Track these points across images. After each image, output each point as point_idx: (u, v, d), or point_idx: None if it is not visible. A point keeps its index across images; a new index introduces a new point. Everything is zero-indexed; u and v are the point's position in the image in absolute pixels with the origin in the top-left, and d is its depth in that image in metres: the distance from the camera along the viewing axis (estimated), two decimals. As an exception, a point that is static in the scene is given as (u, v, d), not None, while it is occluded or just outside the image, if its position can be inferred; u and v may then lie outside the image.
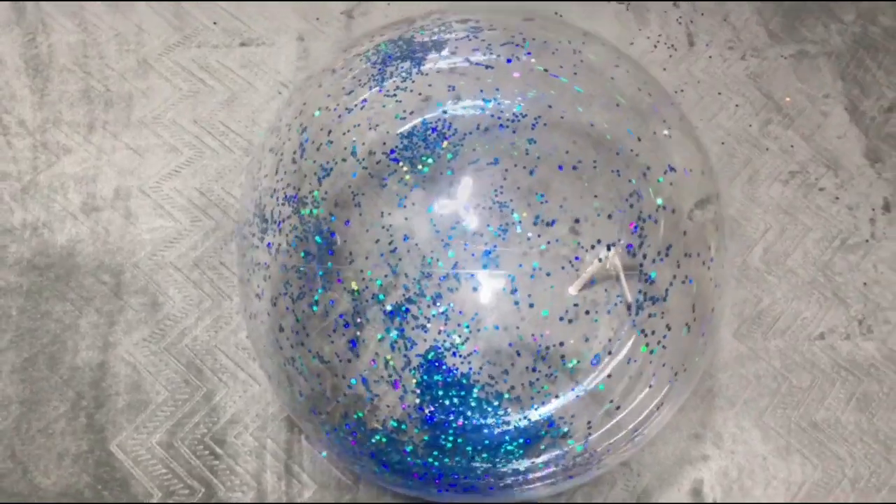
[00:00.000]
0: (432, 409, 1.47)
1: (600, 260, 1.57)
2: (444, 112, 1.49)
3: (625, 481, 1.48)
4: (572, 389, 1.46)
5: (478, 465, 1.40)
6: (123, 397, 1.45)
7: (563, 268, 1.65)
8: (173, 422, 1.44)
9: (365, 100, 1.44)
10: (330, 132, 1.43)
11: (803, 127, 1.96)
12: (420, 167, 1.47)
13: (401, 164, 1.47)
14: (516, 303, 1.49)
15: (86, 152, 1.69)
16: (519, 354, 1.58)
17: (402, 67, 1.43)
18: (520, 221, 1.58)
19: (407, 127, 1.45)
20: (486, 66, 1.46)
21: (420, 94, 1.48)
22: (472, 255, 1.65)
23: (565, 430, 1.40)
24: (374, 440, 1.40)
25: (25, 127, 1.70)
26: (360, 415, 1.43)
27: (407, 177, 1.48)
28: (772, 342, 1.67)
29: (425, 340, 1.53)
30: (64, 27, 1.84)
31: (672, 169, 1.40)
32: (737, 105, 1.97)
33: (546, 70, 1.47)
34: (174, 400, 1.46)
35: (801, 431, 1.58)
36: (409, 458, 1.40)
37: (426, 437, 1.42)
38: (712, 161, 1.87)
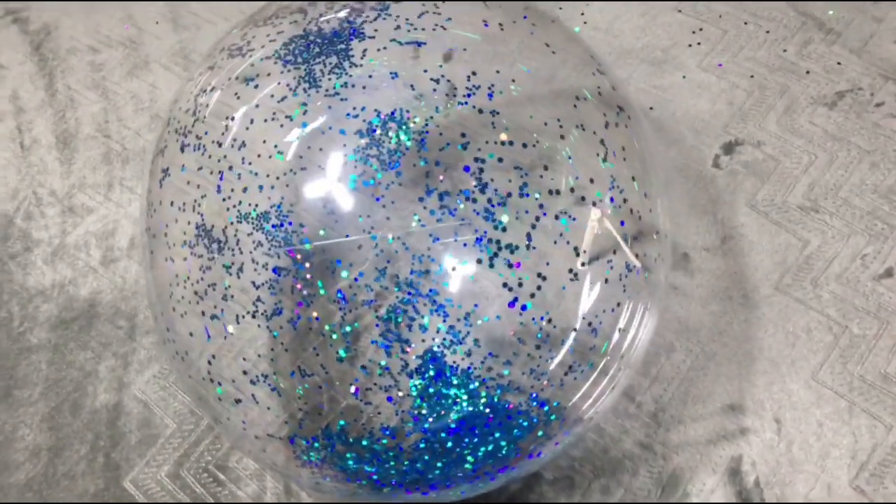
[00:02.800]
0: (429, 412, 1.39)
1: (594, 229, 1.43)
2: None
3: (647, 467, 1.31)
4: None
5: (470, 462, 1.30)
6: (136, 434, 1.50)
7: (568, 242, 1.52)
8: (180, 452, 1.46)
9: (305, 103, 1.42)
10: (275, 145, 1.41)
11: (852, 40, 1.68)
12: (389, 162, 1.41)
13: (370, 164, 1.42)
14: (507, 287, 1.38)
15: (106, 210, 1.79)
16: (521, 342, 1.46)
17: (328, 63, 1.39)
18: (508, 200, 1.48)
19: (363, 124, 1.40)
20: (418, 44, 1.39)
21: (364, 87, 1.43)
22: (465, 244, 1.57)
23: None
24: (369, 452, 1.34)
25: (55, 196, 1.83)
26: (344, 424, 1.38)
27: (378, 175, 1.43)
28: (825, 289, 1.42)
29: (423, 341, 1.45)
30: (88, 98, 1.98)
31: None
32: (767, 32, 1.73)
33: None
34: (181, 431, 1.49)
35: (867, 388, 1.32)
36: (404, 469, 1.32)
37: (422, 443, 1.34)
38: (741, 99, 1.66)
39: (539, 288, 1.11)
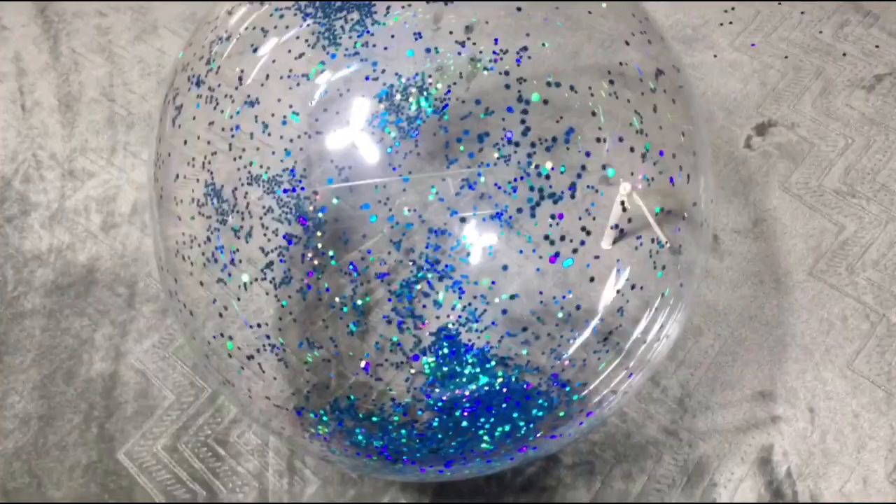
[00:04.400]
0: (442, 391, 1.33)
1: (623, 205, 1.36)
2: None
3: (672, 454, 1.24)
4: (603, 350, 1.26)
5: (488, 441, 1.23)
6: (132, 405, 1.42)
7: (594, 218, 1.46)
8: (178, 425, 1.39)
9: (322, 62, 1.35)
10: (290, 105, 1.35)
11: (890, 23, 1.62)
12: (409, 129, 1.35)
13: (387, 130, 1.35)
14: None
15: (108, 174, 1.72)
16: (541, 321, 1.39)
17: (350, 19, 1.32)
18: (528, 175, 1.42)
19: (384, 86, 1.33)
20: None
21: (386, 47, 1.36)
22: (483, 219, 1.50)
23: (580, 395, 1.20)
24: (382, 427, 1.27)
25: (56, 159, 1.76)
26: (353, 399, 1.31)
27: (398, 143, 1.37)
28: (861, 275, 1.35)
29: (437, 318, 1.38)
30: (93, 62, 1.91)
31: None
32: (802, 12, 1.67)
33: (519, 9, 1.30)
34: (180, 403, 1.41)
35: (906, 378, 1.25)
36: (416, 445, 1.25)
37: (436, 421, 1.27)
38: (774, 80, 1.59)
39: (583, 243, 1.03)
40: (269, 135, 1.33)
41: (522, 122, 0.86)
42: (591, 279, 1.38)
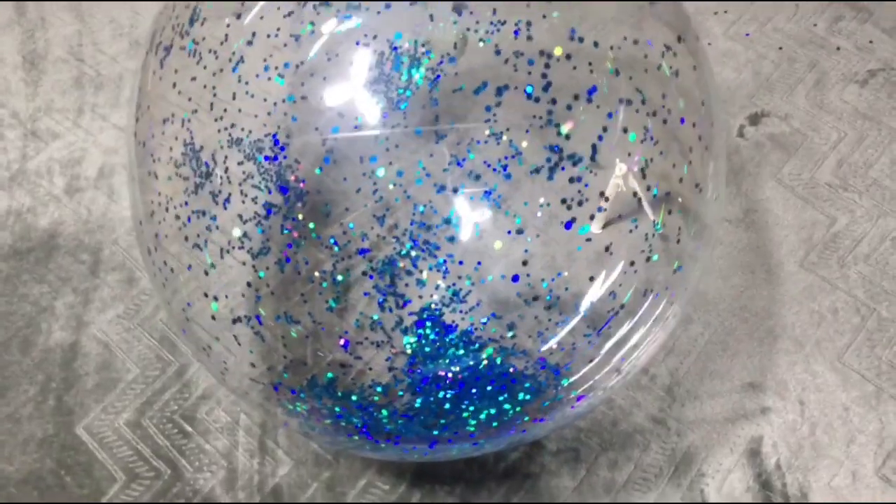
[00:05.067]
0: (425, 370, 1.27)
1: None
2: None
3: (660, 443, 1.21)
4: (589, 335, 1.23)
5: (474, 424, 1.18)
6: (93, 377, 1.34)
7: (579, 203, 1.42)
8: (142, 400, 1.32)
9: (312, 23, 1.28)
10: (275, 66, 1.28)
11: (884, 20, 1.61)
12: (396, 99, 1.29)
13: (377, 101, 1.29)
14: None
15: (73, 136, 1.63)
16: (528, 303, 1.35)
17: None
18: (520, 153, 1.37)
19: (373, 55, 1.27)
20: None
21: (379, 12, 1.30)
22: (472, 197, 1.45)
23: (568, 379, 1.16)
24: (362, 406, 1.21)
25: (18, 118, 1.66)
26: (332, 376, 1.25)
27: (385, 115, 1.31)
28: (852, 269, 1.34)
29: (420, 297, 1.33)
30: (62, 20, 1.81)
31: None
32: (797, 4, 1.66)
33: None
34: (145, 377, 1.34)
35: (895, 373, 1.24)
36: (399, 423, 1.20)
37: (418, 402, 1.22)
38: (768, 70, 1.57)
39: (600, 210, 0.99)
40: (252, 97, 1.27)
41: (544, 76, 0.80)
42: (577, 261, 1.35)
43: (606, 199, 1.39)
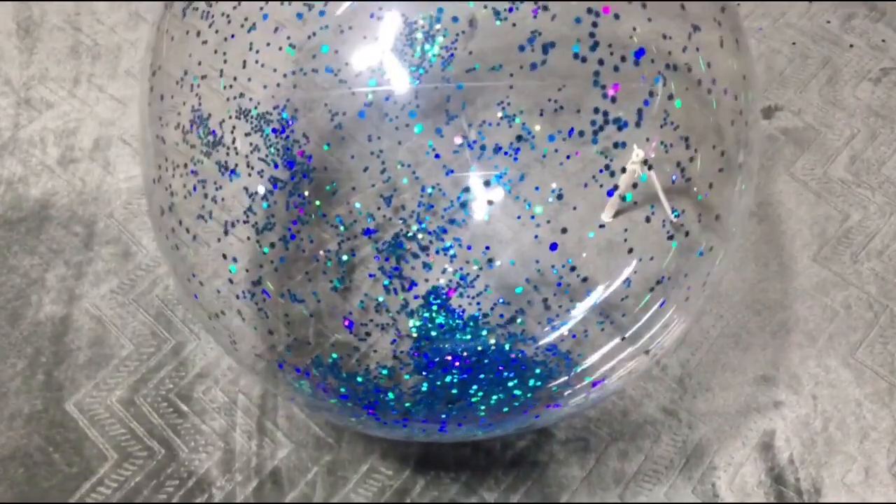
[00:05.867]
0: (431, 355, 1.24)
1: (623, 170, 1.29)
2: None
3: (671, 435, 1.18)
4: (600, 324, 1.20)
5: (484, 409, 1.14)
6: (85, 352, 1.29)
7: (585, 185, 1.39)
8: (137, 377, 1.27)
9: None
10: (288, 36, 1.24)
11: (897, 19, 1.61)
12: (410, 79, 1.25)
13: (387, 77, 1.26)
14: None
15: (69, 106, 1.58)
16: (537, 290, 1.32)
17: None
18: (533, 136, 1.34)
19: (388, 31, 1.24)
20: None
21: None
22: (483, 181, 1.42)
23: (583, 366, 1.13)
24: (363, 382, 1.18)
25: (11, 85, 1.61)
26: (336, 357, 1.21)
27: (396, 93, 1.27)
28: (865, 265, 1.32)
29: (427, 280, 1.30)
30: (58, -12, 1.76)
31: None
32: (810, 1, 1.64)
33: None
34: (139, 354, 1.29)
35: (909, 371, 1.22)
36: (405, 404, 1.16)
37: (425, 386, 1.18)
38: (781, 65, 1.56)
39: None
40: (262, 66, 1.23)
41: (591, 35, 0.77)
42: (589, 248, 1.33)
43: (616, 187, 1.37)
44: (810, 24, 1.61)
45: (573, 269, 1.29)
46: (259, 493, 1.16)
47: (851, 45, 1.57)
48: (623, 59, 0.76)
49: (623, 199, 1.34)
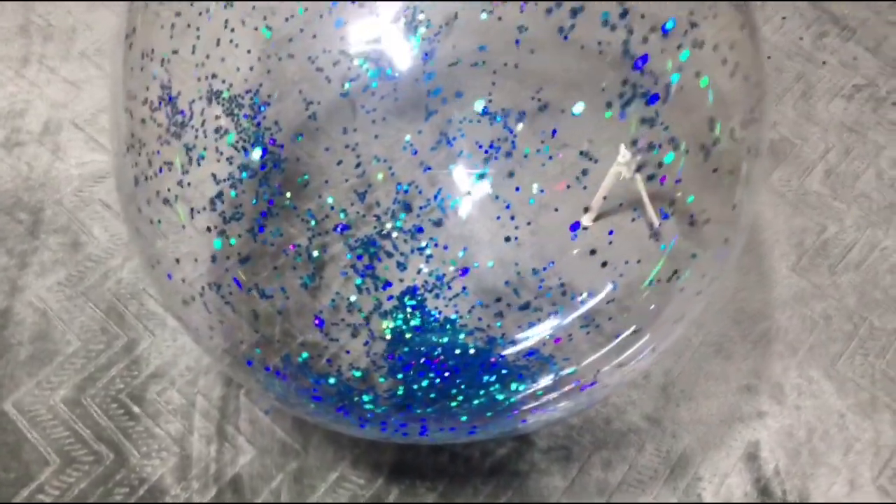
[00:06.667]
0: (406, 358, 1.17)
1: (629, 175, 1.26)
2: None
3: (655, 444, 1.14)
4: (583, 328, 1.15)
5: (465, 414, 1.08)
6: (27, 348, 1.19)
7: (568, 186, 1.36)
8: (83, 376, 1.16)
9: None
10: (264, 16, 1.18)
11: (866, 39, 1.63)
12: (389, 70, 1.20)
13: (365, 67, 1.20)
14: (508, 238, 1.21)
15: (15, 87, 1.47)
16: (517, 293, 1.27)
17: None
18: (515, 136, 1.30)
19: (373, 13, 1.18)
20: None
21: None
22: (460, 177, 1.37)
23: (572, 369, 1.08)
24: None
25: (-48, 63, 1.50)
26: (307, 357, 1.14)
27: (374, 84, 1.22)
28: (843, 277, 1.31)
29: (401, 280, 1.23)
30: (8, -35, 1.66)
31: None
32: (784, 17, 1.66)
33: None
34: (87, 351, 1.19)
35: (889, 383, 1.21)
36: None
37: (401, 389, 1.12)
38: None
39: (671, 158, 0.91)
40: (237, 46, 1.16)
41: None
42: (569, 250, 1.29)
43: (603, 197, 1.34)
44: (784, 40, 1.62)
45: (554, 272, 1.25)
46: (218, 501, 1.07)
47: (824, 62, 1.58)
48: (652, 29, 0.72)
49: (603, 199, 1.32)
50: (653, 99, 0.76)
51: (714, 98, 0.80)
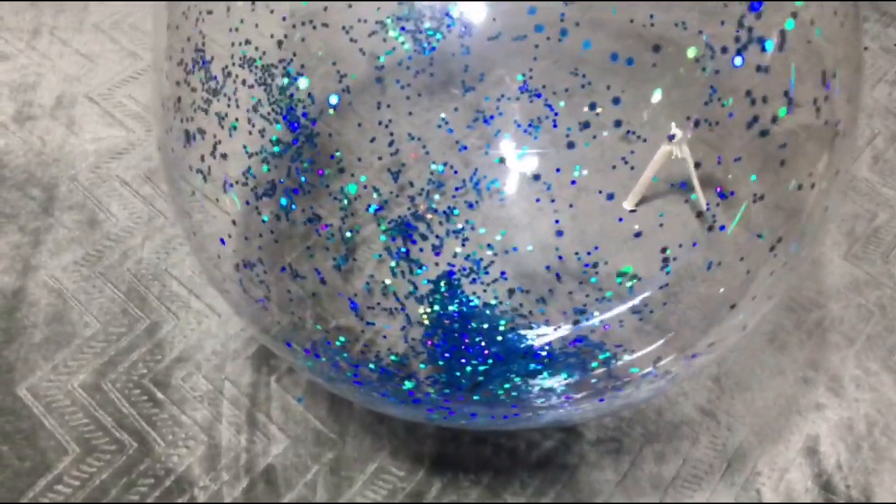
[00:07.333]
0: (444, 344, 1.11)
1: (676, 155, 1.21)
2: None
3: (710, 437, 1.08)
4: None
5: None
6: (42, 330, 1.11)
7: (614, 167, 1.30)
8: (103, 360, 1.09)
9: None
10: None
11: (909, 24, 1.58)
12: (426, 44, 1.14)
13: (401, 40, 1.14)
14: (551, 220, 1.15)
15: (27, 59, 1.40)
16: (559, 278, 1.21)
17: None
18: (557, 114, 1.24)
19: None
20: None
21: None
22: (497, 159, 1.32)
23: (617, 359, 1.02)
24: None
25: (-41, 33, 1.42)
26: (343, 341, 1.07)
27: (409, 57, 1.16)
28: (896, 265, 1.26)
29: (437, 264, 1.17)
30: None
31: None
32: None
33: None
34: (107, 334, 1.12)
35: (949, 375, 1.16)
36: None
37: (444, 377, 1.05)
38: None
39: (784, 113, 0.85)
40: (272, 12, 1.10)
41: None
42: (615, 234, 1.23)
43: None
44: (824, 25, 1.57)
45: (598, 256, 1.19)
46: (250, 494, 1.00)
47: (866, 48, 1.54)
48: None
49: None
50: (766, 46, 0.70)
51: (826, 52, 0.75)
